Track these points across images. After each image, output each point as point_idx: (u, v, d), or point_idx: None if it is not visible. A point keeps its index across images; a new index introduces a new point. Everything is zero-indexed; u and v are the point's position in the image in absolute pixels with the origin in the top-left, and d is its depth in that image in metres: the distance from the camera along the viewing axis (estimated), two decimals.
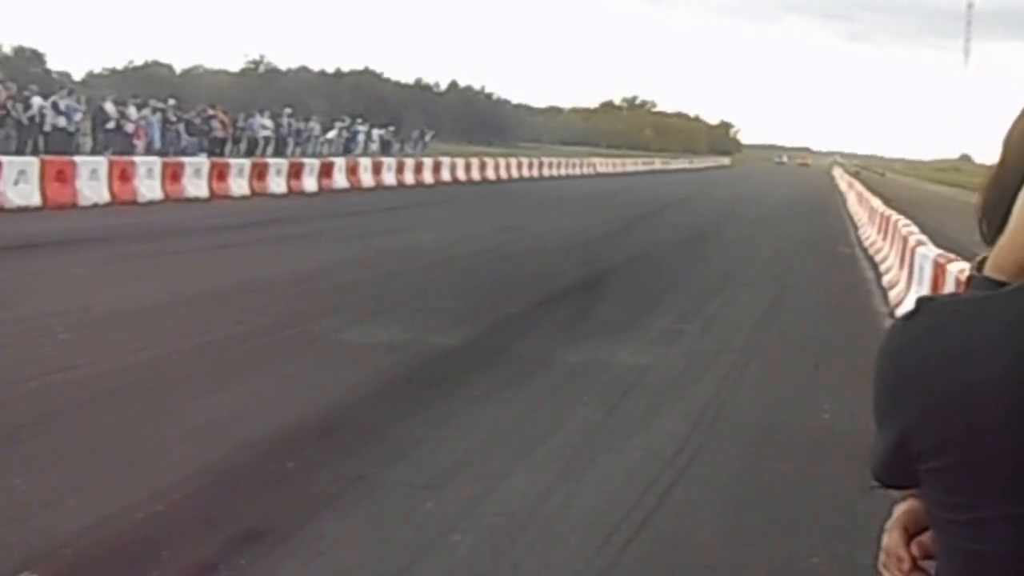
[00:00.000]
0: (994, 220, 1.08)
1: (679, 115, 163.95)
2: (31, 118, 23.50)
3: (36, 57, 53.51)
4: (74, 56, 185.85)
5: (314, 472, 5.12)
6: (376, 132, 44.92)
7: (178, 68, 69.79)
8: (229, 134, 30.91)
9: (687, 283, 13.45)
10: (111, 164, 18.84)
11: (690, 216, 26.39)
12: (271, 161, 25.39)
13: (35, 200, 16.41)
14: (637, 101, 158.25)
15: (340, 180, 26.50)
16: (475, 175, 35.88)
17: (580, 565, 4.23)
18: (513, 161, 41.61)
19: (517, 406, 6.70)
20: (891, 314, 11.71)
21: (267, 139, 33.25)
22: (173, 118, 28.69)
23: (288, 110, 36.56)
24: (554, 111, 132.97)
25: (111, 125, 25.96)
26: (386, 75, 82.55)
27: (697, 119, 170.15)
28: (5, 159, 16.74)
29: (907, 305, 11.39)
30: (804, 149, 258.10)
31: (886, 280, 14.43)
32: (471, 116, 78.49)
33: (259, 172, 23.15)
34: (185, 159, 22.61)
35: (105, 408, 6.01)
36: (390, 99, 68.72)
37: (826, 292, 13.97)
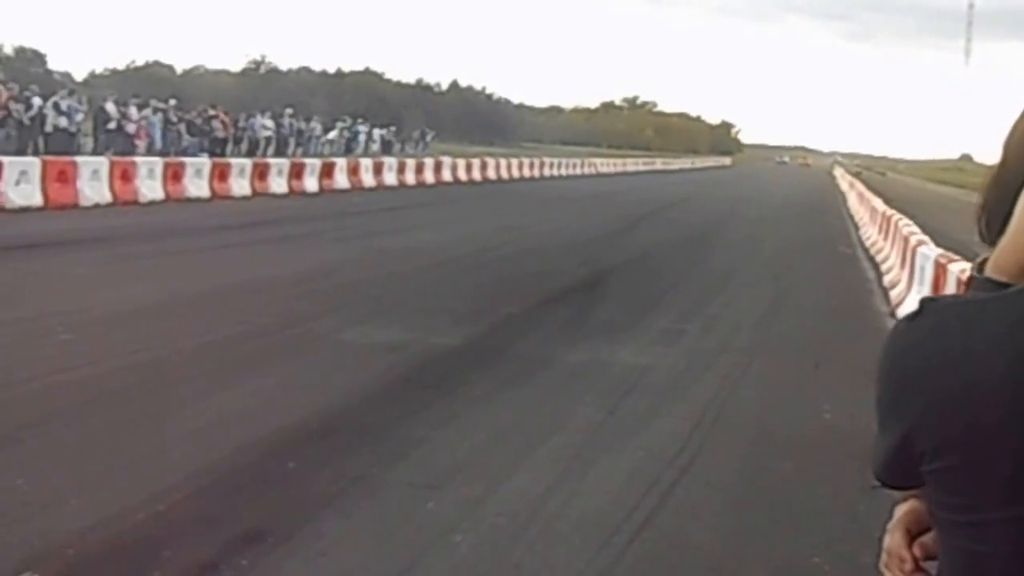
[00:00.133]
0: (994, 220, 1.08)
1: (680, 115, 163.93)
2: (32, 118, 23.51)
3: (37, 57, 53.55)
4: (75, 56, 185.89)
5: (315, 472, 5.12)
6: (377, 132, 44.90)
7: (179, 68, 69.89)
8: (230, 134, 30.92)
9: (688, 283, 13.45)
10: (112, 164, 18.84)
11: (691, 216, 26.39)
12: (272, 161, 25.39)
13: (36, 200, 16.41)
14: (638, 101, 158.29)
15: (341, 180, 26.50)
16: (476, 175, 35.88)
17: (582, 565, 4.23)
18: (514, 161, 41.61)
19: (518, 406, 6.71)
20: (892, 314, 11.70)
21: (268, 139, 33.25)
22: (174, 118, 28.70)
23: (289, 110, 36.56)
24: (555, 111, 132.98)
25: (112, 125, 25.96)
26: (387, 75, 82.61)
27: (698, 119, 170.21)
28: (6, 159, 16.74)
29: (908, 305, 11.39)
30: (804, 149, 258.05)
31: (887, 280, 14.43)
32: (472, 116, 78.46)
33: (260, 172, 23.16)
34: (186, 159, 22.61)
35: (106, 408, 6.01)
36: (391, 99, 68.72)
37: (827, 292, 13.97)
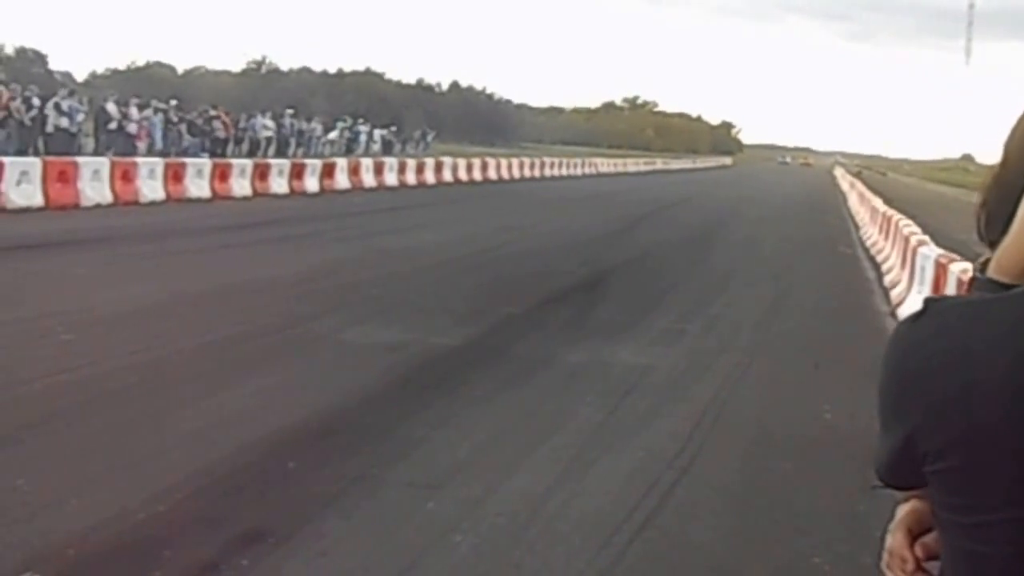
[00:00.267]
0: (994, 220, 1.08)
1: (681, 115, 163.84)
2: (33, 119, 23.51)
3: (38, 58, 53.57)
4: (76, 57, 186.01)
5: (315, 472, 5.12)
6: (378, 132, 44.91)
7: (180, 69, 69.92)
8: (231, 135, 30.92)
9: (688, 283, 13.45)
10: (113, 165, 18.84)
11: (691, 216, 26.39)
12: (273, 162, 25.39)
13: (37, 201, 16.42)
14: (639, 101, 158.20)
15: (342, 180, 26.50)
16: (477, 175, 35.88)
17: (582, 565, 4.23)
18: (515, 161, 41.61)
19: (518, 406, 6.71)
20: (892, 314, 11.70)
21: (269, 140, 33.25)
22: (175, 119, 28.71)
23: (290, 111, 36.59)
24: (555, 111, 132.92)
25: (113, 126, 25.98)
26: (388, 75, 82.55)
27: (699, 119, 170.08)
28: (7, 160, 16.75)
29: (908, 305, 11.38)
30: (805, 149, 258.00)
31: (887, 280, 14.42)
32: (473, 116, 78.45)
33: (261, 173, 23.17)
34: (187, 160, 22.62)
35: (106, 408, 6.01)
36: (392, 99, 68.72)
37: (827, 292, 13.97)
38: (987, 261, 1.05)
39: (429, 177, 32.08)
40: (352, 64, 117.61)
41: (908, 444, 1.02)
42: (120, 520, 4.36)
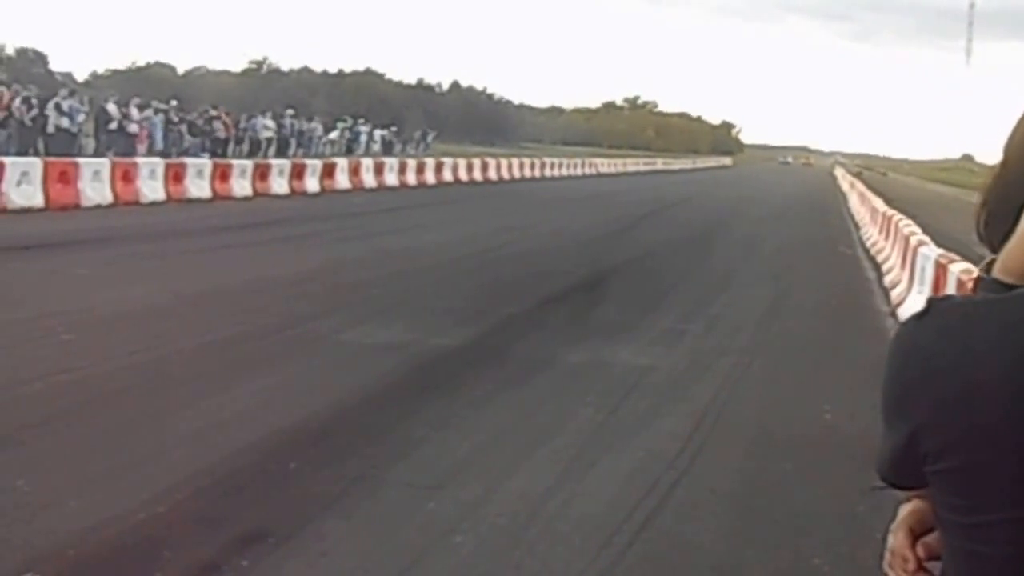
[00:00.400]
0: (994, 221, 1.08)
1: (681, 115, 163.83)
2: (34, 119, 23.52)
3: (39, 58, 53.57)
4: (77, 57, 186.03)
5: (316, 472, 5.12)
6: (378, 133, 44.93)
7: (180, 69, 69.90)
8: (231, 135, 30.94)
9: (689, 283, 13.45)
10: (114, 165, 18.85)
11: (692, 216, 26.39)
12: (273, 162, 25.40)
13: (38, 201, 16.42)
14: (639, 101, 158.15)
15: (342, 181, 26.50)
16: (477, 175, 35.88)
17: (582, 566, 4.23)
18: (515, 161, 41.60)
19: (519, 407, 6.71)
20: (892, 314, 11.70)
21: (269, 140, 33.26)
22: (176, 119, 28.72)
23: (290, 111, 36.61)
24: (556, 111, 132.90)
25: (114, 126, 25.99)
26: (388, 76, 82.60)
27: (699, 119, 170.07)
28: (8, 160, 16.75)
29: (908, 305, 11.38)
30: (805, 149, 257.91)
31: (888, 280, 14.42)
32: (473, 116, 78.47)
33: (261, 173, 23.17)
34: (187, 160, 22.63)
35: (107, 409, 6.01)
36: (392, 100, 68.74)
37: (828, 292, 13.96)
38: (992, 261, 1.06)
39: (429, 177, 32.09)
40: (352, 64, 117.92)
41: (910, 443, 1.02)
42: (120, 520, 4.36)
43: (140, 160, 20.89)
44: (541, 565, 4.23)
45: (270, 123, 33.74)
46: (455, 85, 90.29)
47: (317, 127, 38.80)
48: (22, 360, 6.90)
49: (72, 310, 8.61)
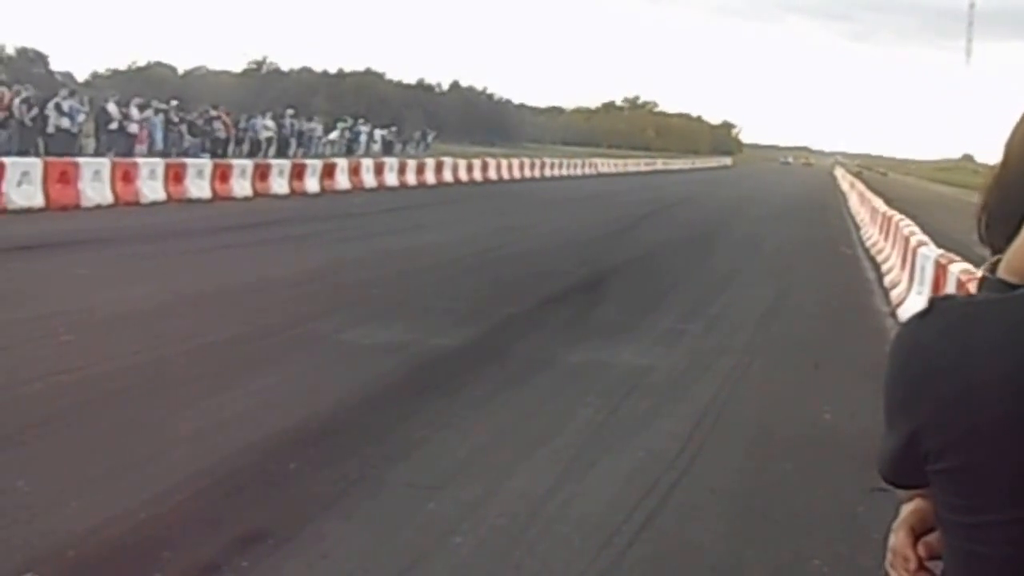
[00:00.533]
0: (994, 222, 1.08)
1: (681, 115, 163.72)
2: (34, 119, 23.52)
3: (39, 58, 53.53)
4: (77, 57, 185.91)
5: (316, 473, 5.12)
6: (378, 133, 44.92)
7: (181, 69, 69.84)
8: (231, 135, 30.94)
9: (689, 283, 13.45)
10: (114, 165, 18.85)
11: (692, 216, 26.39)
12: (273, 162, 25.39)
13: (38, 201, 16.42)
14: (639, 101, 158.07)
15: (342, 181, 26.50)
16: (477, 175, 35.88)
17: (582, 566, 4.23)
18: (515, 161, 41.59)
19: (519, 407, 6.71)
20: (892, 314, 11.70)
21: (269, 140, 33.26)
22: (176, 119, 28.72)
23: (290, 111, 36.59)
24: (556, 111, 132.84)
25: (114, 126, 25.99)
26: (388, 76, 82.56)
27: (699, 119, 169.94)
28: (8, 160, 16.74)
29: (908, 305, 11.38)
30: (805, 149, 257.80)
31: (887, 280, 14.43)
32: (473, 116, 78.46)
33: (261, 173, 23.16)
34: (188, 160, 22.63)
35: (107, 409, 6.01)
36: (392, 100, 68.74)
37: (828, 292, 13.96)
38: (998, 261, 1.06)
39: (429, 177, 32.08)
40: (352, 64, 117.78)
41: (911, 443, 1.02)
42: (120, 521, 4.36)
43: (140, 160, 20.89)
44: (541, 565, 4.23)
45: (270, 123, 33.74)
46: (455, 85, 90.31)
47: (317, 127, 38.80)
48: (22, 360, 6.90)
49: (72, 310, 8.61)
